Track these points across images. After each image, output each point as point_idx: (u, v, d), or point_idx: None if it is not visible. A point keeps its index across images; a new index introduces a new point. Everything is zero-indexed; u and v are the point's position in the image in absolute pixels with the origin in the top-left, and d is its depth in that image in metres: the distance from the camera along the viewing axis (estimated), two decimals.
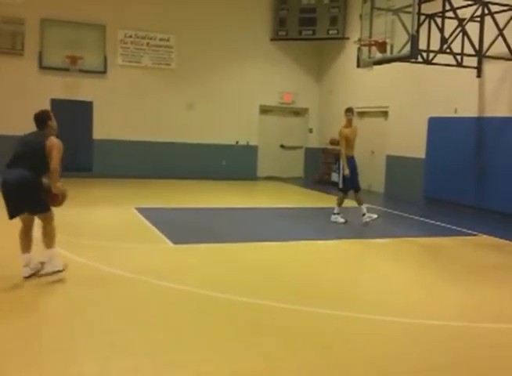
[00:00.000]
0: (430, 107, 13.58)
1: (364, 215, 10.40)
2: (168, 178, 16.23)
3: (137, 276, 6.31)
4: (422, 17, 11.04)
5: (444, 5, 10.98)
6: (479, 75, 12.11)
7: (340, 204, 10.60)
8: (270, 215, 11.52)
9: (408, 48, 10.39)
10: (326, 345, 4.65)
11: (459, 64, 11.65)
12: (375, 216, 10.42)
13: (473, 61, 11.83)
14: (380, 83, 15.37)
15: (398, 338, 4.91)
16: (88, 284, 6.06)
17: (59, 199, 6.17)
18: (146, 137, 16.71)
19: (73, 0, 15.66)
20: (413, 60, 10.96)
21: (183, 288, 5.98)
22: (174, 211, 11.16)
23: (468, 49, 11.28)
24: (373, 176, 16.08)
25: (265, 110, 18.43)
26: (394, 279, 6.91)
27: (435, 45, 11.13)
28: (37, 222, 6.21)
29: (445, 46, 11.07)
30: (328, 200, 11.50)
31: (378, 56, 11.31)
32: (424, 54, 11.18)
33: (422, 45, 10.71)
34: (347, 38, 16.83)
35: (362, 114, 16.82)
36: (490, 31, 11.04)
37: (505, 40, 10.91)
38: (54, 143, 6.10)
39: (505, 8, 10.98)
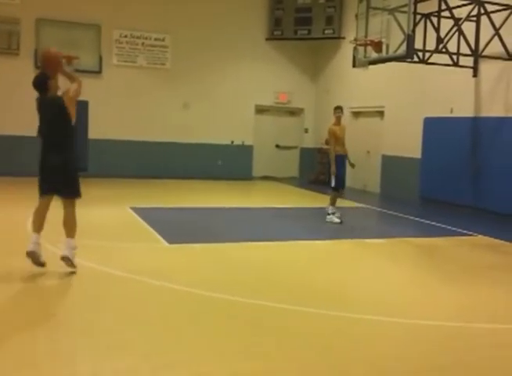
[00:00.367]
0: (426, 107, 13.59)
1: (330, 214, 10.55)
2: (164, 178, 16.20)
3: (132, 275, 6.28)
4: (418, 17, 11.04)
5: (440, 5, 10.98)
6: (475, 75, 12.13)
7: (333, 203, 10.60)
8: (266, 214, 11.49)
9: (404, 47, 10.40)
10: (325, 345, 4.63)
11: (455, 64, 11.66)
12: (337, 220, 10.42)
13: (469, 61, 11.84)
14: (375, 83, 15.36)
15: (396, 338, 4.89)
16: (83, 284, 6.03)
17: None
18: (142, 137, 16.67)
19: (69, 0, 15.60)
20: (409, 60, 10.96)
21: (179, 288, 5.95)
22: (170, 211, 11.13)
23: (464, 49, 11.29)
24: (368, 176, 16.09)
25: (260, 110, 18.41)
26: (391, 279, 6.89)
27: (431, 44, 11.13)
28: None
29: (441, 46, 11.08)
30: (323, 200, 11.49)
31: (374, 55, 11.32)
32: (420, 54, 11.18)
33: (418, 45, 10.72)
34: (343, 38, 16.82)
35: (357, 114, 16.83)
36: (486, 31, 11.05)
37: (501, 39, 10.91)
38: (69, 94, 6.22)
39: (501, 7, 10.99)
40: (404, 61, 11.19)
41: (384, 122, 15.47)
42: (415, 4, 10.33)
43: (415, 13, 10.45)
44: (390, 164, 15.07)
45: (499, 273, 7.39)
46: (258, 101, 18.15)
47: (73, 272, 6.15)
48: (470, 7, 11.05)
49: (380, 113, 15.67)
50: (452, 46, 11.24)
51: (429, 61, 11.39)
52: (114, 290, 5.88)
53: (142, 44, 16.69)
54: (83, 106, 15.93)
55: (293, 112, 19.04)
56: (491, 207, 11.65)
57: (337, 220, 10.46)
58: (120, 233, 8.76)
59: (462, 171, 12.49)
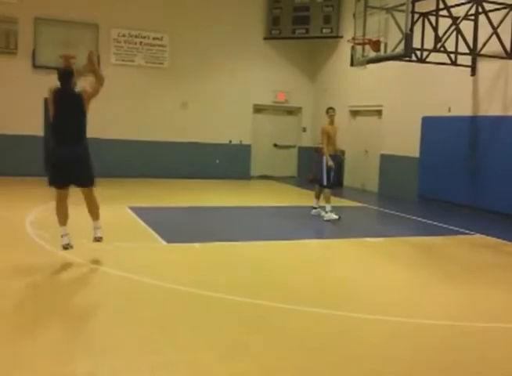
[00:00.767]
0: (424, 106, 13.59)
1: (315, 208, 11.00)
2: (162, 177, 16.19)
3: (129, 274, 6.28)
4: (415, 16, 11.04)
5: (437, 4, 10.99)
6: (473, 74, 12.13)
7: (328, 200, 10.72)
8: (264, 213, 11.49)
9: (402, 46, 10.40)
10: (324, 344, 4.63)
11: (453, 63, 11.66)
12: (335, 217, 10.59)
13: (467, 60, 11.84)
14: (373, 82, 15.36)
15: (393, 338, 4.89)
16: (80, 283, 6.03)
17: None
18: (140, 136, 16.65)
19: None
20: (407, 59, 10.96)
21: (176, 287, 5.94)
22: (168, 210, 11.13)
23: (462, 48, 11.29)
24: (366, 175, 16.10)
25: (258, 109, 18.40)
26: (389, 278, 6.89)
27: (429, 43, 11.13)
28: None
29: (439, 45, 11.07)
30: (321, 199, 11.49)
31: (372, 54, 11.32)
32: (418, 53, 11.19)
33: (416, 44, 10.71)
34: (341, 37, 16.83)
35: (355, 113, 16.83)
36: (484, 30, 11.05)
37: (499, 38, 10.91)
38: (84, 89, 6.70)
39: (499, 6, 10.99)
40: (402, 60, 11.20)
41: (382, 121, 15.47)
42: (413, 3, 10.33)
43: (413, 12, 10.45)
44: (388, 163, 15.08)
45: (499, 272, 7.40)
46: (256, 100, 18.14)
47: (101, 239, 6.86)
48: (468, 6, 11.04)
49: (379, 113, 15.67)
50: (450, 45, 11.24)
51: (427, 60, 11.39)
52: (110, 289, 5.88)
53: (141, 43, 16.67)
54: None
55: (291, 111, 19.04)
56: (489, 207, 11.66)
57: (335, 216, 10.58)
58: (118, 232, 8.73)
59: (460, 170, 12.50)
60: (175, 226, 9.51)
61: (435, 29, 11.15)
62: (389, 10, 11.14)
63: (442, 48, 11.15)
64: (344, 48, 15.30)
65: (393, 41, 10.89)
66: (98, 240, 6.85)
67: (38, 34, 15.60)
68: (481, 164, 12.02)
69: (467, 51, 11.27)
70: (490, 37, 11.01)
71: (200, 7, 16.96)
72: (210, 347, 4.43)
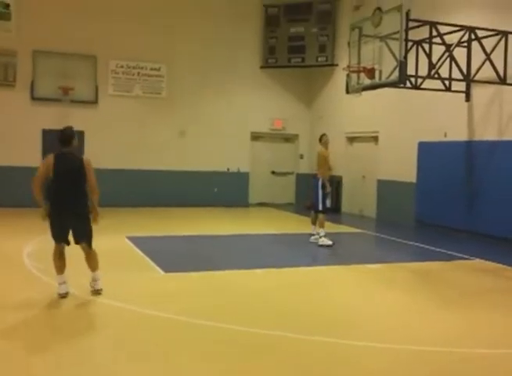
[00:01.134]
0: (420, 132, 13.68)
1: (313, 235, 11.00)
2: (160, 206, 16.19)
3: (127, 305, 6.25)
4: (409, 43, 11.17)
5: (431, 32, 11.12)
6: (468, 99, 12.24)
7: (322, 225, 10.80)
8: (262, 241, 11.48)
9: (396, 73, 10.52)
10: (321, 372, 4.60)
11: (448, 89, 11.78)
12: (329, 242, 10.66)
13: (461, 86, 11.96)
14: (369, 108, 15.49)
15: (392, 365, 4.86)
16: (77, 314, 6.00)
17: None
18: (138, 165, 16.71)
19: (65, 31, 15.77)
20: (402, 86, 11.06)
21: (176, 317, 5.92)
22: (166, 240, 11.11)
23: (456, 74, 11.40)
24: (364, 201, 16.12)
25: (255, 137, 18.51)
26: (387, 304, 6.86)
27: (423, 70, 11.25)
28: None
29: (433, 71, 11.19)
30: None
31: (367, 82, 11.42)
32: (413, 79, 11.29)
33: (410, 71, 10.82)
34: (336, 65, 17.01)
35: (352, 139, 16.93)
36: (477, 56, 11.18)
37: (492, 64, 11.04)
38: (89, 162, 6.55)
39: (491, 33, 11.13)
40: (397, 87, 11.30)
41: (379, 147, 15.55)
42: (406, 31, 10.45)
43: (406, 40, 10.57)
44: (385, 188, 15.11)
45: (497, 297, 7.37)
46: (254, 128, 18.26)
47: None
48: (461, 33, 11.19)
49: (375, 139, 15.76)
50: (444, 72, 11.36)
51: (422, 87, 11.50)
52: (107, 319, 5.85)
53: (138, 73, 16.84)
54: (79, 136, 15.96)
55: (288, 138, 19.14)
56: (486, 231, 11.66)
57: (329, 242, 10.65)
58: (116, 262, 8.71)
59: (457, 194, 12.53)
60: (173, 256, 9.49)
61: (429, 56, 11.27)
62: (383, 38, 11.29)
63: (436, 75, 11.27)
64: (340, 76, 15.44)
65: (387, 68, 11.01)
66: (97, 292, 6.58)
67: (37, 66, 15.76)
68: (478, 189, 12.06)
69: (461, 77, 11.39)
70: (483, 63, 11.13)
71: (196, 37, 17.17)
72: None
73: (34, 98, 15.79)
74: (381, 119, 15.21)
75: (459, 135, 12.57)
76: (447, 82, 11.69)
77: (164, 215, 14.94)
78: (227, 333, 5.50)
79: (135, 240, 10.43)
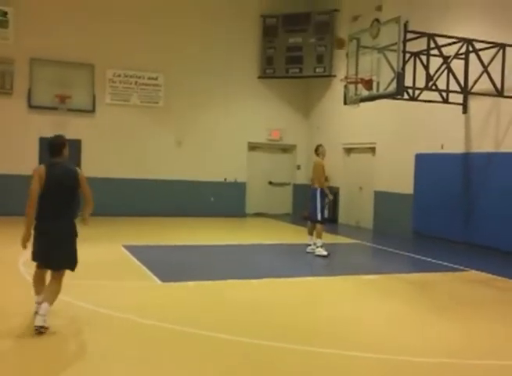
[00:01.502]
0: (417, 143, 13.71)
1: (310, 246, 11.00)
2: (157, 215, 16.15)
3: (124, 314, 6.21)
4: (407, 55, 11.20)
5: (428, 44, 11.16)
6: (465, 111, 12.28)
7: (320, 236, 10.80)
8: (259, 251, 11.45)
9: (394, 85, 10.54)
10: None
11: (445, 101, 11.81)
12: (325, 253, 10.66)
13: (458, 97, 11.99)
14: (367, 120, 15.51)
15: None
16: (73, 323, 5.95)
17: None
18: (135, 175, 16.69)
19: (62, 40, 15.78)
20: (399, 97, 11.09)
21: (171, 327, 5.87)
22: (163, 249, 11.07)
23: (453, 86, 11.43)
24: (361, 212, 16.12)
25: (253, 147, 18.51)
26: (385, 315, 6.83)
27: (421, 82, 11.28)
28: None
29: (431, 83, 11.22)
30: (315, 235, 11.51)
31: (364, 93, 11.45)
32: (410, 91, 11.33)
33: (408, 82, 10.86)
34: (334, 76, 17.05)
35: (349, 150, 16.95)
36: (475, 68, 11.21)
37: (489, 76, 11.08)
38: (84, 177, 5.98)
39: (489, 45, 11.18)
40: (394, 98, 11.33)
41: (376, 158, 15.56)
42: (404, 43, 10.49)
43: (404, 52, 10.60)
44: (382, 200, 15.11)
45: (494, 309, 7.35)
46: (251, 138, 18.27)
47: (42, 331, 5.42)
48: (459, 45, 11.24)
49: (372, 150, 15.78)
50: (441, 83, 11.39)
51: (419, 98, 11.53)
52: (104, 329, 5.80)
53: (136, 83, 16.85)
54: (76, 145, 16.01)
55: (286, 149, 19.16)
56: (483, 243, 11.65)
57: (325, 252, 10.64)
58: (113, 271, 8.68)
59: (454, 206, 12.53)
60: (170, 265, 9.45)
61: (427, 68, 11.31)
62: (381, 50, 11.33)
63: (434, 87, 11.30)
64: (337, 87, 15.48)
65: (385, 79, 11.04)
66: (39, 330, 5.38)
67: (34, 74, 15.77)
68: (474, 200, 12.06)
69: (459, 89, 11.42)
70: (481, 75, 11.17)
71: (195, 47, 17.22)
72: None
73: (31, 106, 15.78)
74: (378, 130, 15.23)
75: (457, 147, 12.59)
76: (444, 94, 11.72)
77: (160, 225, 14.89)
78: (220, 342, 5.46)
79: (131, 249, 10.39)
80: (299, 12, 17.67)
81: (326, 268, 10.02)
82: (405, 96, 11.21)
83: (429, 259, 10.82)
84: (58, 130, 15.83)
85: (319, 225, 10.87)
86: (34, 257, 5.85)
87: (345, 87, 12.05)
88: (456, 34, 11.37)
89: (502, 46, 11.12)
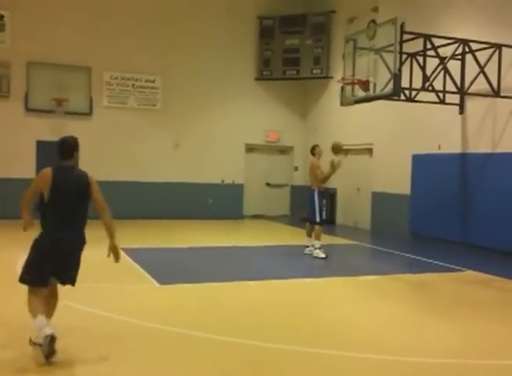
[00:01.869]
0: (414, 144, 13.73)
1: (308, 247, 10.99)
2: (154, 218, 16.13)
3: (122, 317, 6.21)
4: (404, 56, 11.24)
5: (425, 44, 11.19)
6: (461, 112, 12.30)
7: (319, 237, 10.80)
8: (257, 253, 11.45)
9: (390, 86, 10.55)
10: None
11: (442, 101, 11.83)
12: (323, 255, 10.65)
13: (455, 98, 12.02)
14: (364, 121, 15.54)
15: None
16: (71, 326, 5.94)
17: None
18: (132, 177, 16.68)
19: (59, 43, 15.80)
20: (396, 98, 11.11)
21: (169, 329, 5.87)
22: (161, 251, 11.06)
23: (450, 87, 11.46)
24: (359, 213, 16.13)
25: (250, 149, 18.52)
26: (384, 316, 6.84)
27: (417, 82, 11.30)
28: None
29: (427, 84, 11.24)
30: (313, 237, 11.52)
31: (361, 94, 11.46)
32: (407, 92, 11.34)
33: (404, 83, 10.87)
34: (331, 77, 17.08)
35: (346, 151, 16.92)
36: (471, 69, 11.24)
37: (486, 77, 11.10)
38: (95, 183, 5.42)
39: (485, 46, 11.20)
40: (391, 99, 11.35)
41: (373, 159, 15.58)
42: (401, 44, 10.51)
43: (401, 53, 10.63)
44: (380, 200, 15.13)
45: (492, 309, 7.36)
46: (248, 140, 18.27)
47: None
48: (455, 46, 11.26)
49: (369, 151, 15.80)
50: (438, 84, 11.42)
51: (416, 99, 11.55)
52: (102, 332, 5.80)
53: (133, 85, 16.85)
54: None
55: (283, 150, 19.16)
56: (480, 243, 11.67)
57: (323, 255, 10.64)
58: (109, 273, 8.65)
59: (451, 206, 12.55)
60: (168, 267, 9.44)
61: (423, 69, 11.34)
62: (378, 51, 11.35)
63: (430, 88, 11.32)
64: (334, 88, 15.48)
65: (382, 80, 11.05)
66: (49, 352, 4.74)
67: (31, 77, 15.76)
68: (471, 201, 12.08)
69: (455, 90, 11.44)
70: (477, 75, 11.19)
71: (191, 49, 17.23)
72: None
73: (28, 109, 15.77)
74: (375, 131, 15.25)
75: (453, 147, 12.61)
76: (441, 95, 11.75)
77: (158, 227, 14.88)
78: (219, 344, 5.47)
79: (129, 252, 10.37)
80: (296, 13, 17.70)
81: (324, 269, 10.03)
82: (402, 97, 11.22)
83: (427, 260, 10.83)
84: (55, 133, 15.97)
85: (317, 227, 10.87)
86: (34, 276, 5.10)
87: (342, 88, 12.06)
88: (452, 35, 11.40)
89: (498, 46, 11.14)
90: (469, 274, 9.58)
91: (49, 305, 5.18)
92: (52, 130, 15.87)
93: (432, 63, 11.38)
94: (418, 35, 11.07)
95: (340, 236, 14.20)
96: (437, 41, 11.21)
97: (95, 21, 16.25)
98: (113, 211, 17.83)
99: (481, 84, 11.24)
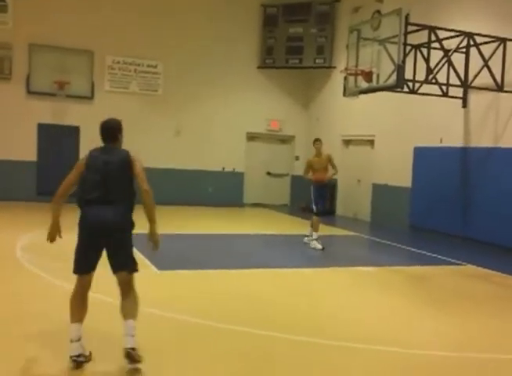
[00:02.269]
0: (416, 137, 13.70)
1: (307, 236, 10.90)
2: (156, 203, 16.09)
3: (112, 299, 6.20)
4: (408, 48, 11.17)
5: (430, 36, 11.12)
6: (464, 105, 12.27)
7: (316, 229, 10.75)
8: (256, 241, 11.47)
9: (394, 77, 10.51)
10: (310, 374, 4.59)
11: (445, 94, 11.78)
12: (319, 246, 10.60)
13: (458, 91, 11.98)
14: (366, 112, 15.49)
15: (386, 368, 4.84)
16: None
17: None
18: None
19: (62, 25, 15.70)
20: (399, 90, 11.07)
21: (168, 315, 5.88)
22: (160, 237, 11.04)
23: (453, 80, 11.41)
24: (359, 204, 16.13)
25: (251, 137, 18.49)
26: (381, 308, 6.86)
27: (421, 75, 11.26)
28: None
29: (431, 76, 11.20)
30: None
31: (364, 85, 11.42)
32: (410, 84, 11.30)
33: (408, 75, 10.83)
34: (334, 67, 17.01)
35: (348, 142, 16.93)
36: (475, 62, 11.19)
37: (490, 71, 11.06)
38: (138, 159, 5.02)
39: (490, 39, 11.15)
40: (394, 91, 11.30)
41: (375, 151, 15.56)
42: (405, 35, 10.45)
43: (405, 44, 10.57)
44: (380, 192, 15.12)
45: (491, 303, 7.38)
46: (250, 128, 18.23)
47: (138, 369, 4.43)
48: (460, 39, 11.21)
49: (371, 142, 15.77)
50: (441, 77, 11.37)
51: (419, 91, 11.51)
52: (102, 316, 5.80)
53: (135, 70, 16.79)
54: (74, 132, 15.98)
55: (285, 139, 19.13)
56: (481, 237, 11.68)
57: (320, 246, 10.60)
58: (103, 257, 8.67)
59: (451, 200, 12.55)
60: (168, 253, 9.41)
61: (427, 61, 11.28)
62: (382, 42, 11.29)
63: (434, 80, 11.27)
64: (337, 78, 15.43)
65: (385, 72, 11.01)
66: (131, 356, 4.40)
67: (33, 59, 15.69)
68: (472, 195, 12.08)
69: (459, 83, 11.40)
70: (481, 69, 11.15)
71: (194, 35, 17.13)
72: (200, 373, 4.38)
73: (29, 92, 15.71)
74: (378, 123, 15.21)
75: (455, 141, 12.59)
76: (444, 88, 11.70)
77: (158, 213, 14.77)
78: (215, 331, 5.48)
79: None
80: (300, 1, 17.57)
81: (322, 259, 10.04)
82: (405, 89, 11.18)
83: (426, 253, 10.84)
84: (56, 116, 15.96)
85: (314, 218, 10.87)
86: (76, 264, 4.73)
87: (345, 78, 12.02)
88: (457, 28, 11.34)
89: (503, 41, 11.10)
90: (469, 268, 9.59)
91: (125, 306, 4.65)
92: (53, 113, 15.87)
93: (436, 56, 11.31)
94: (423, 27, 11.00)
95: (339, 227, 14.21)
96: (441, 34, 11.15)
97: (98, 5, 16.14)
98: None
99: (484, 78, 11.20)
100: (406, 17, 10.41)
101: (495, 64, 11.10)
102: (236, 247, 10.70)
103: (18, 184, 15.53)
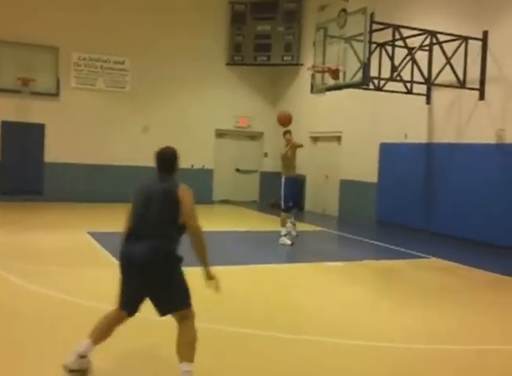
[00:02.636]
0: (382, 133, 13.90)
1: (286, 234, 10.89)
2: (122, 201, 15.97)
3: (89, 302, 6.20)
4: (373, 46, 11.31)
5: (394, 35, 11.29)
6: (428, 102, 12.50)
7: (284, 224, 10.84)
8: (225, 239, 11.50)
9: (360, 75, 10.64)
10: (281, 369, 4.66)
11: (409, 91, 11.96)
12: (288, 242, 10.73)
13: (422, 88, 12.18)
14: (333, 109, 15.64)
15: (356, 361, 4.94)
16: (39, 312, 5.92)
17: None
18: (100, 160, 16.54)
19: (26, 21, 15.47)
20: (365, 87, 11.22)
21: (139, 314, 5.89)
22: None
23: (417, 77, 11.60)
24: (327, 200, 16.29)
25: (220, 134, 18.51)
26: (348, 302, 6.97)
27: (386, 72, 11.42)
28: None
29: (396, 74, 11.36)
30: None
31: (331, 82, 11.53)
32: (376, 81, 11.44)
33: (373, 73, 10.98)
34: (302, 65, 17.13)
35: (315, 139, 17.08)
36: (438, 60, 11.40)
37: (452, 68, 11.28)
38: (188, 193, 4.58)
39: (452, 37, 11.37)
40: (360, 88, 11.45)
41: (342, 147, 15.73)
42: (370, 33, 10.58)
43: (370, 42, 10.70)
44: (348, 188, 15.30)
45: (454, 295, 7.56)
46: (218, 125, 18.25)
47: None
48: (423, 37, 11.40)
49: (338, 139, 15.93)
50: (406, 74, 11.54)
51: (384, 88, 11.66)
52: (70, 317, 5.80)
53: (101, 67, 16.65)
54: (39, 129, 15.79)
55: (253, 136, 19.19)
56: (444, 231, 11.93)
57: (289, 242, 10.70)
58: (76, 258, 8.63)
59: (416, 195, 12.78)
60: None
61: (392, 59, 11.44)
62: (348, 40, 11.41)
63: (398, 78, 11.44)
64: (305, 76, 15.53)
65: (351, 69, 11.12)
66: None
67: None
68: (436, 190, 12.33)
69: (422, 80, 11.59)
70: (444, 67, 11.36)
71: (162, 32, 17.06)
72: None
73: None
74: (344, 119, 15.38)
75: (420, 136, 12.81)
76: (408, 85, 11.87)
77: (126, 211, 14.77)
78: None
79: (96, 236, 10.33)
80: None
81: (291, 255, 10.14)
82: (371, 86, 11.33)
83: (393, 247, 11.02)
84: (21, 113, 15.74)
85: (282, 214, 10.97)
86: (120, 298, 4.48)
87: (312, 76, 12.12)
88: (420, 26, 11.52)
89: (465, 39, 11.33)
90: (433, 261, 9.79)
91: (181, 344, 4.19)
92: (17, 111, 15.65)
93: (400, 54, 11.49)
94: (387, 25, 11.16)
95: (308, 223, 14.32)
96: (405, 32, 11.32)
97: (64, 0, 15.96)
98: (80, 194, 17.76)
99: (447, 76, 11.41)
100: (371, 16, 10.56)
101: (458, 62, 11.32)
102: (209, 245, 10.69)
103: None
